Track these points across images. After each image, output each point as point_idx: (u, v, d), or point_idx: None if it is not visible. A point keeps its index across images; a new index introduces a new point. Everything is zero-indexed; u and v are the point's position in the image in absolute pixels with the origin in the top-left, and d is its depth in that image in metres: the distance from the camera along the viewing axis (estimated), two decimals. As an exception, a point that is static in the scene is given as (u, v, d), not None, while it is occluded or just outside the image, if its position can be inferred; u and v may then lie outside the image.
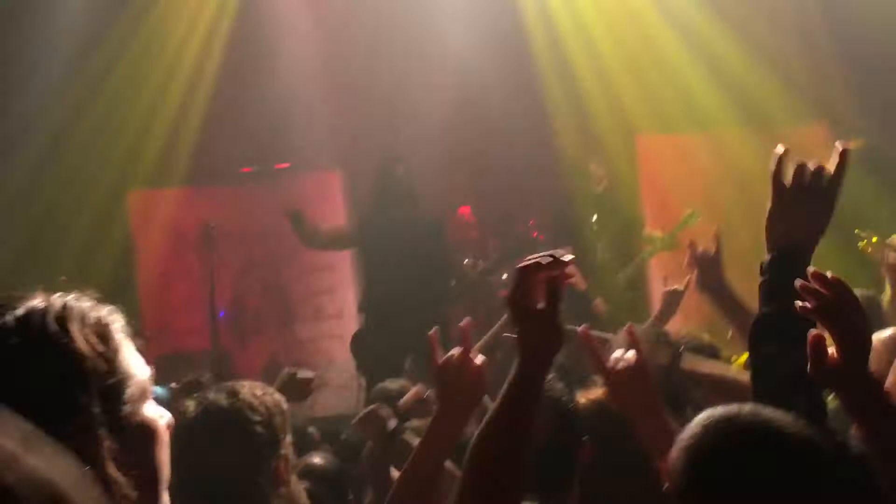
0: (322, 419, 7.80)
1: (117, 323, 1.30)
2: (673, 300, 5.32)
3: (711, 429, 1.71)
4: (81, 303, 1.31)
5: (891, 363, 3.45)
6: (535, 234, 8.62)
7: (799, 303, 1.97)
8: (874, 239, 6.55)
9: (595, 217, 7.98)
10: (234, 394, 2.71)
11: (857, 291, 4.55)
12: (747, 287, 5.36)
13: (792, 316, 2.05)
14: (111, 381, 1.26)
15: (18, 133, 8.81)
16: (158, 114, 9.46)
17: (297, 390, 3.78)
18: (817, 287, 1.97)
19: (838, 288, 1.98)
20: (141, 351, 1.36)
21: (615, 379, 2.69)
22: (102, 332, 1.30)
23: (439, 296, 7.53)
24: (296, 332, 9.62)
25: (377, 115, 9.56)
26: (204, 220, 8.40)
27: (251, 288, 9.69)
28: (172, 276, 9.44)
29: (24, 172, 8.84)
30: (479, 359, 2.62)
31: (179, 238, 9.47)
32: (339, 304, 9.46)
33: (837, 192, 2.32)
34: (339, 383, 9.18)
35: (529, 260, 2.04)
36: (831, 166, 2.32)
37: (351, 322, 8.72)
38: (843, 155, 2.30)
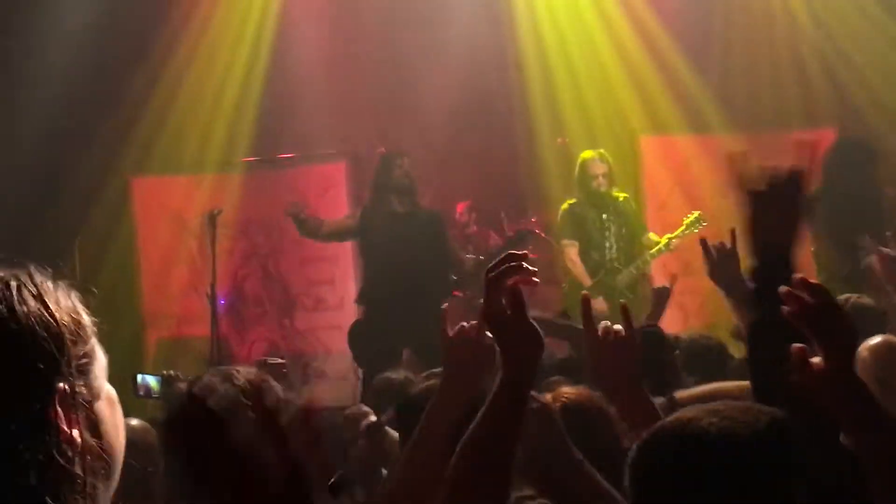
0: (318, 410, 7.84)
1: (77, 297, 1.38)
2: (661, 298, 5.35)
3: (641, 445, 1.78)
4: (44, 278, 1.38)
5: (878, 371, 3.50)
6: (538, 231, 8.65)
7: (785, 308, 1.98)
8: None
9: (605, 216, 8.00)
10: (229, 378, 2.72)
11: (863, 299, 4.59)
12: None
13: (784, 321, 2.07)
14: (84, 355, 1.33)
15: (27, 119, 8.85)
16: (165, 102, 9.50)
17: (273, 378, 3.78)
18: (801, 293, 1.98)
19: (821, 294, 1.98)
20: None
21: (603, 348, 2.72)
22: (74, 308, 1.36)
23: (438, 288, 7.56)
24: (295, 321, 9.65)
25: (382, 108, 9.58)
26: (207, 208, 8.43)
27: (252, 276, 9.73)
28: (173, 262, 9.47)
29: (28, 156, 8.87)
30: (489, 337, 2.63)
31: (181, 225, 9.51)
32: (339, 294, 9.48)
33: (805, 194, 2.35)
34: (337, 374, 9.24)
35: (494, 270, 2.05)
36: (800, 168, 2.35)
37: (351, 313, 8.74)
38: (810, 156, 2.33)
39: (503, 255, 2.08)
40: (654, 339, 4.07)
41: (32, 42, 8.98)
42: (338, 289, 9.51)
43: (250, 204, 9.46)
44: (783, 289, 1.98)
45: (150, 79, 9.43)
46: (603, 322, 2.75)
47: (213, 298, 8.02)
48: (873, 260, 5.54)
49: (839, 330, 1.96)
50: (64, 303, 1.34)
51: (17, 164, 8.77)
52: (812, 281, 2.01)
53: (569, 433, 2.36)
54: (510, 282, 2.02)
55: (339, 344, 8.84)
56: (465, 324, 2.65)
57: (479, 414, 2.04)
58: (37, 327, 1.27)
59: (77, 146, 9.17)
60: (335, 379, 9.19)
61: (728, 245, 3.87)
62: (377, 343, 7.26)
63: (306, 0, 9.75)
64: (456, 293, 7.70)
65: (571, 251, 8.04)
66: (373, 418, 4.13)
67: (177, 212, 9.55)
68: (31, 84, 8.90)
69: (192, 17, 9.61)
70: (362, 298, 7.92)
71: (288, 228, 8.68)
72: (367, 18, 9.75)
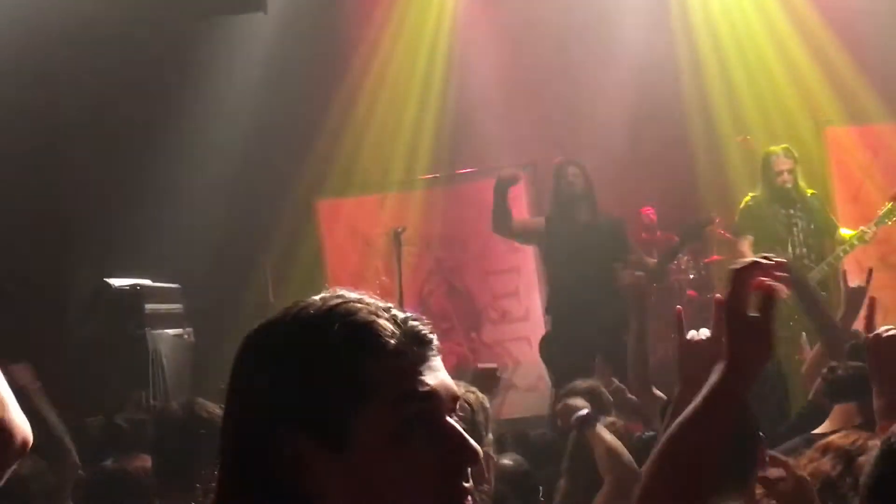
0: (510, 420, 7.88)
1: None
2: (856, 297, 5.12)
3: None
4: None
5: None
6: (722, 232, 8.48)
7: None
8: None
9: (791, 212, 7.79)
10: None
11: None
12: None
13: None
14: None
15: (218, 144, 9.21)
16: (344, 124, 9.74)
17: (483, 383, 3.84)
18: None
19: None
20: None
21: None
22: None
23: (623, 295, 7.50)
24: (482, 335, 9.72)
25: (558, 117, 9.57)
26: (391, 226, 8.58)
27: (437, 291, 9.85)
28: (361, 281, 9.67)
29: (221, 184, 9.22)
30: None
31: (367, 244, 9.71)
32: (524, 306, 9.51)
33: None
34: (527, 385, 9.26)
35: (744, 262, 1.97)
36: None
37: (537, 324, 8.75)
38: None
39: (760, 255, 1.99)
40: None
41: (219, 69, 9.33)
42: (522, 300, 9.54)
43: (433, 220, 9.59)
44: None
45: (328, 102, 9.68)
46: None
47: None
48: None
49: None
50: None
51: (206, 190, 9.13)
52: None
53: None
54: (760, 281, 1.93)
55: (527, 355, 8.87)
56: (700, 333, 2.59)
57: (689, 410, 1.97)
58: None
59: (261, 172, 9.48)
60: (525, 390, 9.21)
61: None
62: (568, 353, 7.25)
63: (479, 16, 9.84)
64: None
65: (743, 244, 7.86)
66: (585, 411, 4.13)
67: (362, 231, 9.76)
68: (220, 112, 9.25)
69: (367, 40, 9.83)
70: (550, 309, 7.93)
71: (470, 243, 8.77)
72: (539, 30, 9.77)
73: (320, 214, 9.92)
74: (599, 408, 4.52)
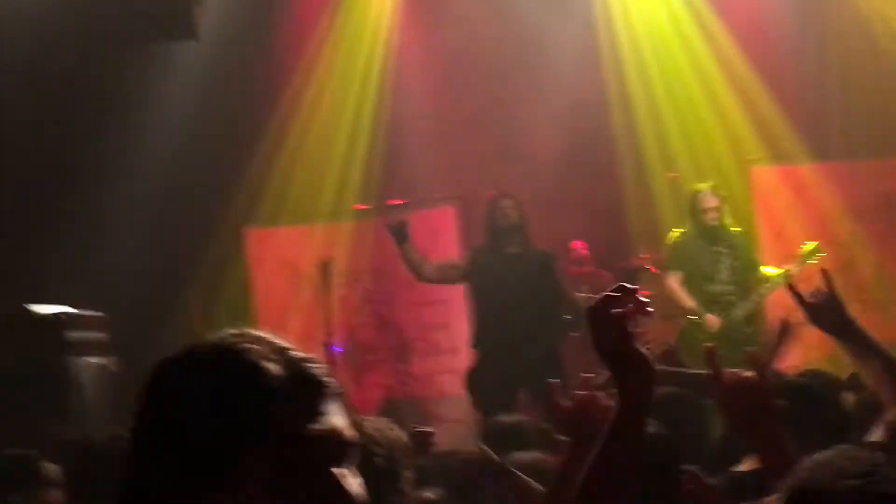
0: (435, 454, 7.84)
1: None
2: (787, 334, 5.18)
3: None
4: None
5: None
6: (649, 267, 8.57)
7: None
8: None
9: (717, 249, 7.89)
10: (357, 426, 2.77)
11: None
12: (872, 320, 5.26)
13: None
14: None
15: (141, 174, 9.09)
16: (274, 153, 9.68)
17: (416, 442, 3.82)
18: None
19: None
20: None
21: (733, 395, 2.68)
22: None
23: (552, 329, 7.52)
24: (410, 366, 9.68)
25: (490, 152, 9.63)
26: (320, 257, 8.54)
27: (366, 323, 9.79)
28: (289, 312, 9.59)
29: (149, 212, 9.10)
30: (603, 397, 2.62)
31: (295, 275, 9.64)
32: (453, 338, 9.48)
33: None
34: (455, 418, 9.23)
35: (596, 300, 2.03)
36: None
37: (465, 357, 8.74)
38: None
39: (613, 287, 2.04)
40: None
41: (146, 96, 9.22)
42: (452, 332, 9.52)
43: (362, 251, 9.55)
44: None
45: (259, 130, 9.63)
46: (728, 371, 2.67)
47: (329, 347, 8.10)
48: None
49: None
50: None
51: (131, 218, 9.00)
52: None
53: None
54: (618, 312, 1.98)
55: (455, 387, 8.84)
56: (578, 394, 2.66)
57: (597, 447, 2.01)
58: None
59: (188, 199, 9.38)
60: (452, 423, 9.18)
61: (823, 289, 3.51)
62: (493, 386, 7.25)
63: (412, 47, 9.87)
64: (571, 333, 7.66)
65: (672, 278, 7.97)
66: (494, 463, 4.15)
67: (291, 262, 9.68)
68: (145, 140, 9.14)
69: (300, 69, 9.79)
70: (476, 342, 7.93)
71: (400, 275, 8.72)
72: (472, 63, 9.82)
73: (249, 244, 9.82)
74: (523, 443, 4.53)
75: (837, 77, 9.59)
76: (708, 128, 9.54)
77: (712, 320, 7.68)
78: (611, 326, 1.98)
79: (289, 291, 9.64)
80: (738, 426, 2.73)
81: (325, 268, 8.11)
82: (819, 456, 1.83)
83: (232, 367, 1.36)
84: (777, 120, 9.37)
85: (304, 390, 1.37)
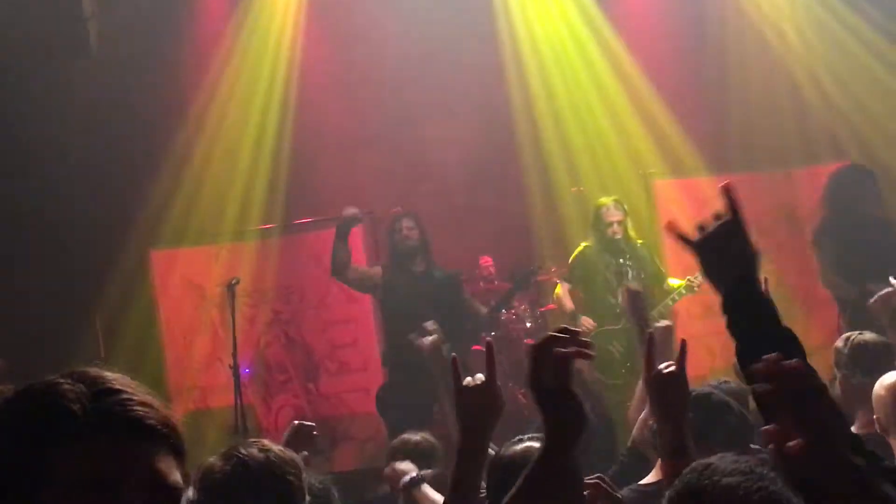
0: (345, 473, 7.80)
1: None
2: (664, 337, 5.28)
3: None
4: None
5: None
6: (556, 281, 8.64)
7: (759, 386, 1.74)
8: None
9: (621, 261, 7.98)
10: (266, 448, 2.81)
11: (865, 335, 4.51)
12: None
13: (766, 342, 2.06)
14: None
15: (40, 193, 8.90)
16: (178, 173, 9.55)
17: (299, 440, 3.81)
18: (775, 372, 1.72)
19: (796, 376, 1.72)
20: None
21: (657, 380, 2.95)
22: None
23: (460, 344, 7.55)
24: (320, 386, 9.62)
25: (397, 168, 9.63)
26: (225, 277, 8.44)
27: (274, 343, 9.70)
28: (196, 333, 9.47)
29: (50, 234, 8.92)
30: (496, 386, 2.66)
31: (201, 296, 9.52)
32: (362, 357, 9.45)
33: (740, 223, 2.40)
34: (365, 437, 9.19)
35: (540, 340, 2.04)
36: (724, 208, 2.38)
37: (375, 375, 8.72)
38: (726, 191, 2.37)
39: (557, 328, 2.05)
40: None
41: (46, 113, 9.03)
42: (361, 351, 9.49)
43: (269, 271, 9.47)
44: (758, 366, 1.74)
45: (162, 151, 9.48)
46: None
47: (235, 368, 8.01)
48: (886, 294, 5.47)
49: (816, 414, 1.70)
50: None
51: (37, 241, 8.82)
52: (792, 362, 1.74)
53: None
54: (560, 353, 1.99)
55: (365, 406, 8.81)
56: (476, 378, 2.68)
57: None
58: None
59: (92, 222, 9.19)
60: (362, 441, 9.14)
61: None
62: (404, 404, 7.25)
63: (318, 66, 9.83)
64: (477, 347, 7.68)
65: (562, 287, 8.08)
66: (409, 477, 4.20)
67: (196, 283, 9.56)
68: (43, 158, 8.95)
69: (203, 88, 9.69)
70: (386, 361, 7.93)
71: (308, 293, 8.67)
72: (378, 80, 9.82)
73: (154, 265, 9.67)
74: (430, 461, 4.53)
75: (736, 91, 9.80)
76: (611, 143, 9.68)
77: (587, 322, 7.80)
78: (551, 365, 1.99)
79: (195, 313, 9.52)
80: (660, 414, 2.96)
81: (229, 288, 8.02)
82: (704, 460, 1.87)
83: (30, 409, 1.33)
84: (678, 134, 9.54)
85: (111, 430, 1.32)
